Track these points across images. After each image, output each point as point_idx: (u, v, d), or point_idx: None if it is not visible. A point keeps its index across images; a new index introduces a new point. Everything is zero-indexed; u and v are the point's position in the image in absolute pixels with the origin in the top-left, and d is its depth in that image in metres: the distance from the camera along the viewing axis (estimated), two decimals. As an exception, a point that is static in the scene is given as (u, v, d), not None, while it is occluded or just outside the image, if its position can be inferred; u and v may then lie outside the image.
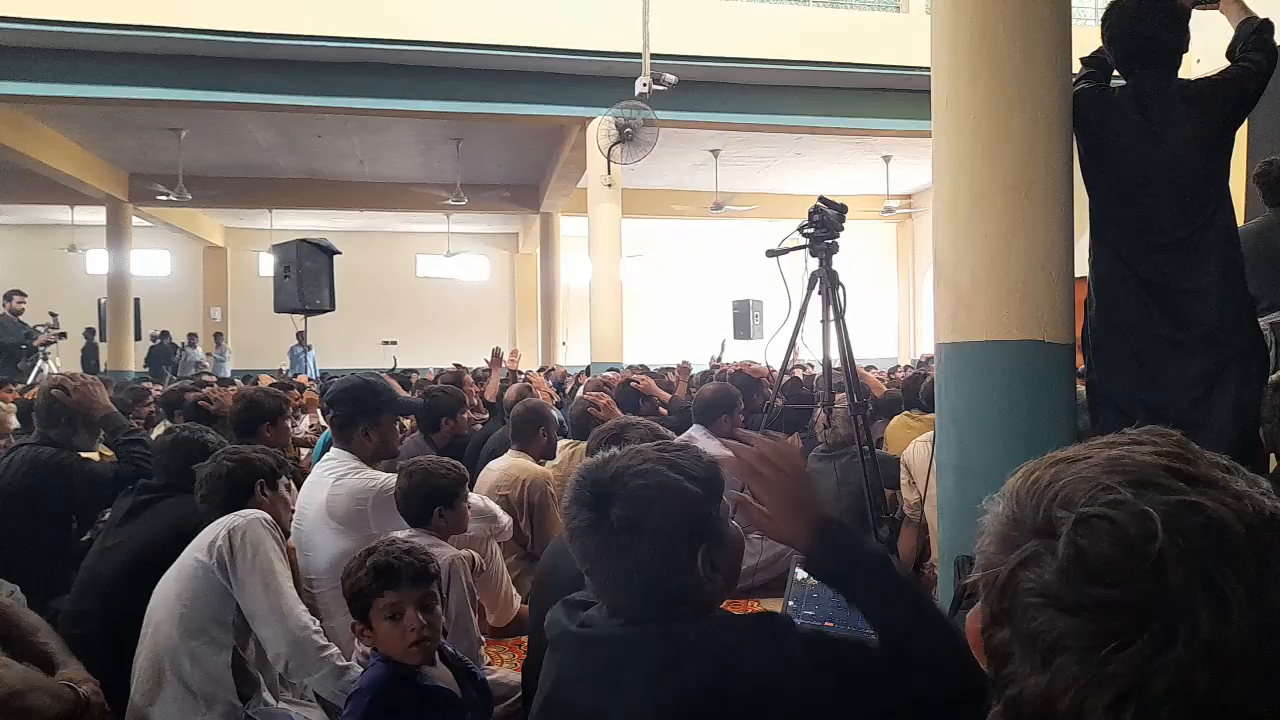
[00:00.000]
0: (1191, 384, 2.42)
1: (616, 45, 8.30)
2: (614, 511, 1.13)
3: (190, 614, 2.10)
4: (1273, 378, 2.30)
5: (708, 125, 10.06)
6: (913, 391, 4.53)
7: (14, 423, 3.73)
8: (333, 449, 2.91)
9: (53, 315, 9.53)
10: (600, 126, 8.57)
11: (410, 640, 1.79)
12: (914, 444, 3.66)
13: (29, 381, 7.75)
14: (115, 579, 2.45)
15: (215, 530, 2.17)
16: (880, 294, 16.94)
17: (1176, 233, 2.44)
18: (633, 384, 5.56)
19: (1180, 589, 0.55)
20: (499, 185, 14.10)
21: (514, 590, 3.25)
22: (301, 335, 11.57)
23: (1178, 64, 2.58)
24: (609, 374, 7.28)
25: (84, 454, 3.19)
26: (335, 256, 8.37)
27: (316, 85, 8.90)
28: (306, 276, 7.86)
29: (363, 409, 2.87)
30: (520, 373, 6.94)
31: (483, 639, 2.97)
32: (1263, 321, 3.42)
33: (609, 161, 8.55)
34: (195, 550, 2.17)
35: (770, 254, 2.96)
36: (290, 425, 4.75)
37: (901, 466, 3.71)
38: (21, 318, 9.18)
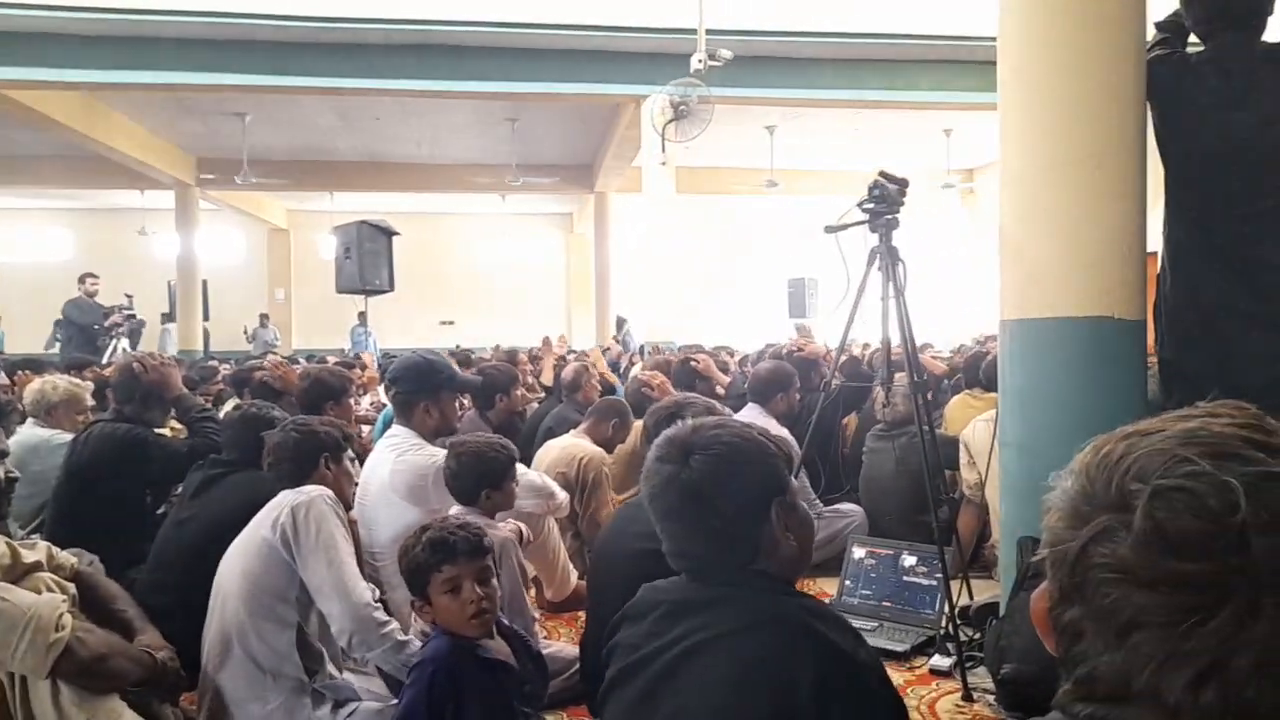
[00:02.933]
0: (1271, 362, 2.32)
1: (671, 21, 8.22)
2: (695, 460, 1.20)
3: (255, 591, 2.15)
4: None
5: (763, 101, 9.92)
6: (973, 370, 4.44)
7: (90, 400, 3.87)
8: (395, 425, 2.97)
9: (128, 297, 9.84)
10: (655, 104, 8.50)
11: (470, 613, 1.82)
12: (974, 423, 3.59)
13: (104, 361, 8.04)
14: (189, 550, 2.55)
15: (279, 507, 2.21)
16: (942, 272, 16.58)
17: (1259, 203, 2.34)
18: (692, 363, 5.55)
19: (1265, 562, 0.53)
20: (554, 165, 14.13)
21: (570, 566, 3.29)
22: (362, 316, 11.77)
23: (1263, 26, 2.46)
24: (667, 354, 7.28)
25: (157, 430, 3.31)
26: (394, 238, 8.51)
27: (374, 68, 9.00)
28: (366, 258, 8.01)
29: (424, 386, 2.92)
30: (574, 351, 6.98)
31: (538, 614, 3.02)
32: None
33: (663, 140, 8.48)
34: (259, 526, 2.22)
35: (829, 230, 2.91)
36: (353, 403, 4.86)
37: (961, 446, 3.65)
38: (96, 299, 9.52)
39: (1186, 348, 2.49)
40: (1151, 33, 2.61)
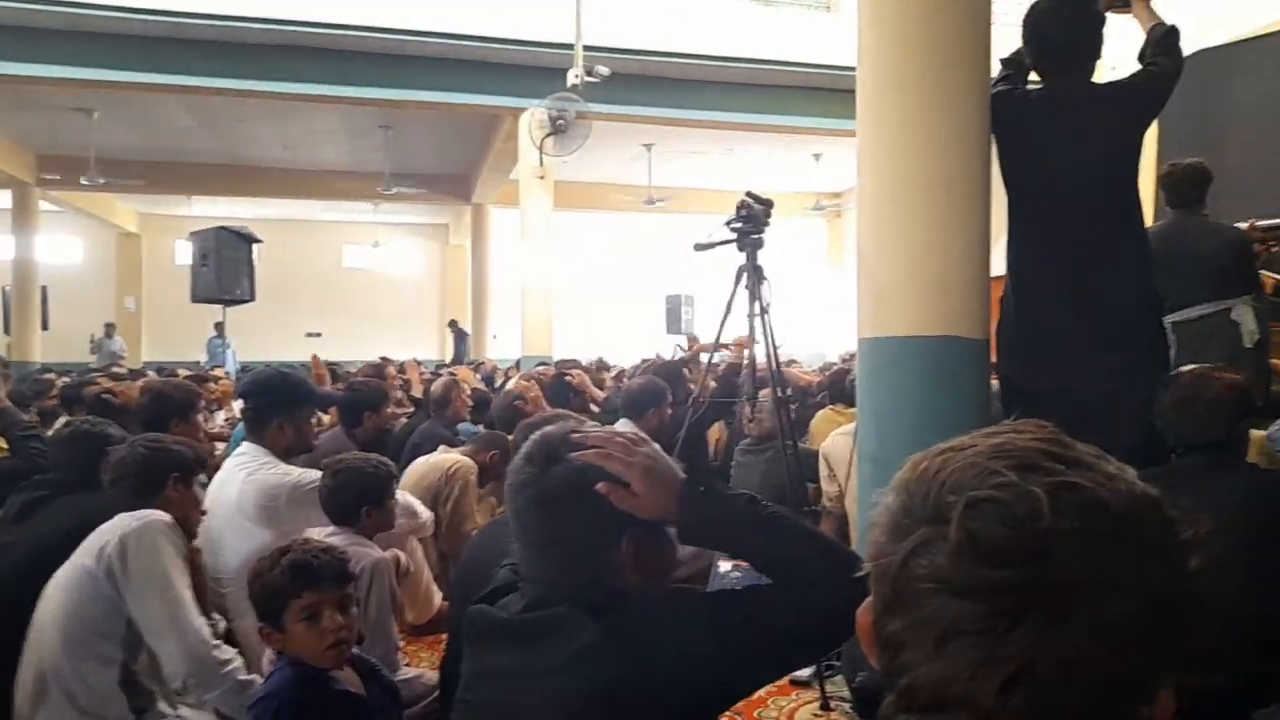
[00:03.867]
0: (1101, 380, 2.49)
1: (550, 35, 8.22)
2: (556, 468, 1.13)
3: (75, 628, 1.96)
4: (1169, 375, 2.38)
5: (640, 119, 10.05)
6: (837, 386, 4.60)
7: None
8: (245, 443, 2.82)
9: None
10: (533, 118, 8.47)
11: (328, 642, 1.73)
12: (833, 436, 3.70)
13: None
14: (6, 581, 2.32)
15: (107, 534, 2.03)
16: (810, 290, 17.16)
17: (1091, 232, 2.52)
18: (567, 378, 5.52)
19: (1067, 566, 0.55)
20: (429, 175, 13.86)
21: (434, 587, 3.19)
22: (220, 327, 11.19)
23: (1093, 67, 2.65)
24: (541, 368, 7.23)
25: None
26: (256, 245, 8.15)
27: (239, 68, 8.60)
28: (225, 265, 7.65)
29: (278, 401, 2.78)
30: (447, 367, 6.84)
31: (400, 643, 2.91)
32: (1165, 322, 3.56)
33: (541, 153, 8.46)
34: (83, 555, 2.03)
35: (698, 248, 2.96)
36: (204, 419, 4.59)
37: (821, 459, 3.76)
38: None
39: (1028, 366, 2.65)
40: (997, 68, 2.78)
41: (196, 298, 7.71)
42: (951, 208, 2.51)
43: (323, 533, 2.38)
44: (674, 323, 12.68)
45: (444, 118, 10.65)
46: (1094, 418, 2.46)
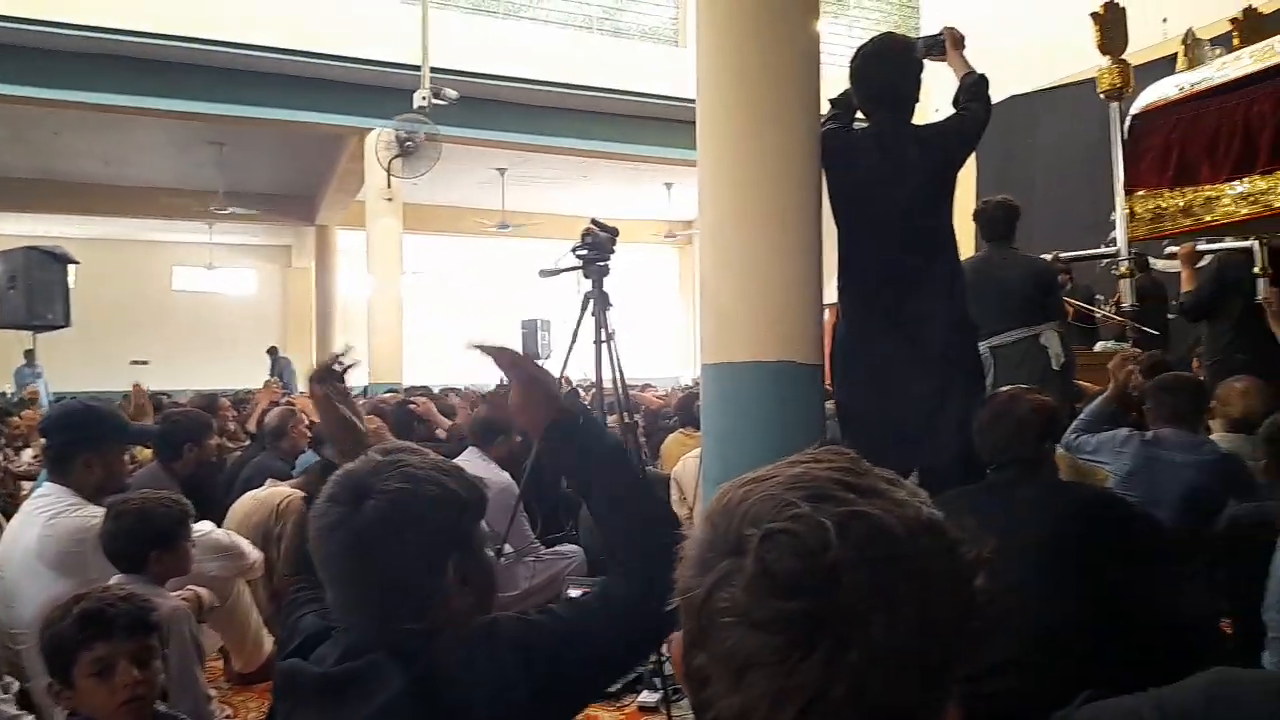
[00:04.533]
0: (922, 401, 2.64)
1: (397, 56, 8.05)
2: (368, 504, 1.06)
3: None
4: (986, 396, 2.55)
5: (491, 143, 9.98)
6: (687, 410, 4.68)
7: None
8: (46, 484, 2.57)
9: None
10: (379, 138, 8.26)
11: (120, 698, 1.57)
12: (684, 460, 3.76)
13: None
14: None
15: None
16: (664, 315, 17.48)
17: (909, 263, 2.67)
18: (411, 406, 5.35)
19: (853, 595, 0.56)
20: (269, 194, 13.23)
21: (265, 632, 3.00)
22: (30, 354, 10.23)
23: (912, 108, 2.82)
24: (387, 395, 7.00)
25: None
26: (72, 266, 7.53)
27: (52, 76, 7.96)
28: (36, 288, 7.01)
29: (83, 436, 2.55)
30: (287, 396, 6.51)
31: (225, 687, 2.73)
32: (983, 347, 3.83)
33: (389, 175, 8.25)
34: None
35: (544, 274, 2.95)
36: (6, 457, 4.18)
37: (672, 483, 3.81)
38: None
39: (856, 390, 2.78)
40: (826, 107, 2.93)
41: (2, 323, 7.03)
42: (786, 237, 2.61)
43: (118, 579, 2.19)
44: (531, 347, 12.61)
45: (284, 136, 10.22)
46: (917, 438, 2.61)
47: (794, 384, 2.60)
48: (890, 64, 2.76)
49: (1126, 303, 4.41)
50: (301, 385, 12.45)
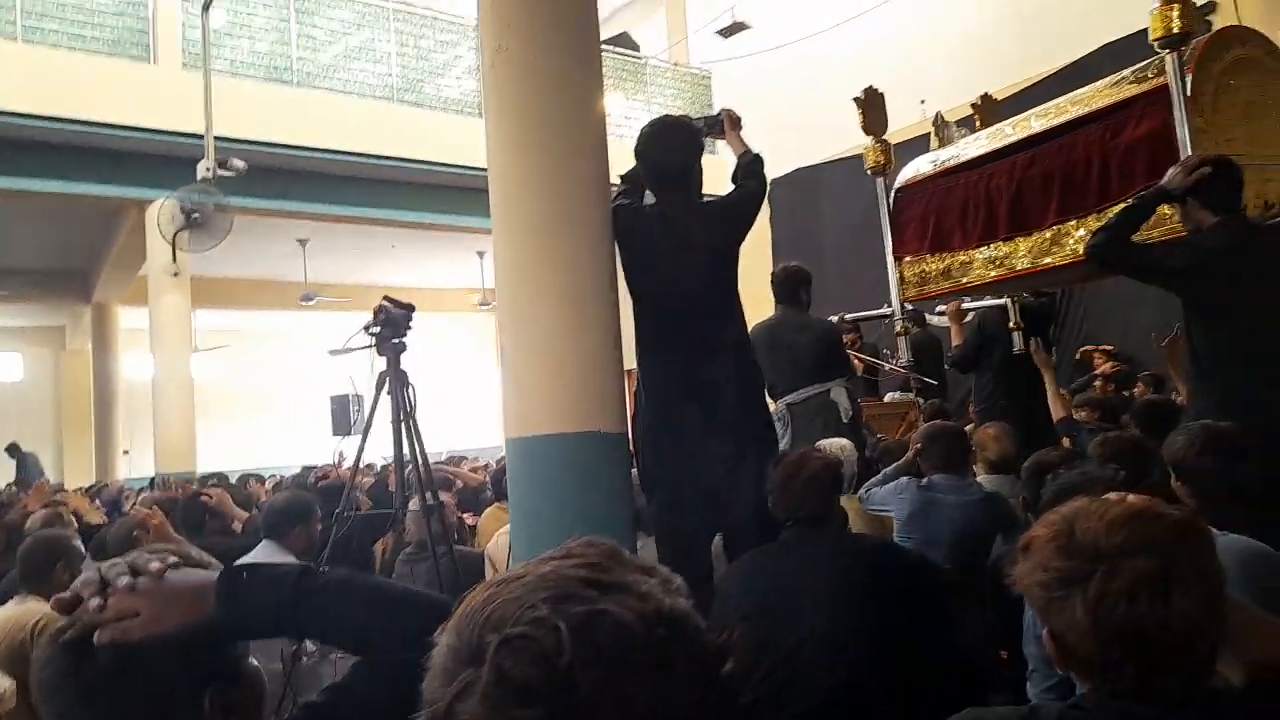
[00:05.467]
0: (720, 462, 2.73)
1: (181, 125, 7.61)
2: (102, 651, 0.92)
3: None
4: (778, 456, 2.67)
5: (289, 214, 9.60)
6: (499, 482, 4.59)
7: None
8: None
9: None
10: (162, 210, 7.72)
11: None
12: (496, 537, 3.68)
13: None
14: None
15: None
16: (481, 383, 17.24)
17: (698, 330, 2.79)
18: (203, 497, 4.94)
19: (589, 698, 0.56)
20: (35, 271, 12.04)
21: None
22: None
23: (696, 184, 2.96)
24: (175, 485, 6.45)
25: None
26: None
27: None
28: None
29: None
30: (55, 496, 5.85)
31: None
32: (781, 404, 4.04)
33: (174, 249, 7.73)
34: None
35: (333, 354, 2.84)
36: None
37: (487, 561, 3.71)
38: None
39: (659, 455, 2.84)
40: (616, 182, 3.02)
41: None
42: (584, 312, 2.65)
43: None
44: (341, 424, 12.02)
45: (55, 208, 9.38)
46: (716, 499, 2.69)
47: (599, 454, 2.62)
48: (672, 143, 2.89)
49: (904, 359, 4.80)
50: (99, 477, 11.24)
